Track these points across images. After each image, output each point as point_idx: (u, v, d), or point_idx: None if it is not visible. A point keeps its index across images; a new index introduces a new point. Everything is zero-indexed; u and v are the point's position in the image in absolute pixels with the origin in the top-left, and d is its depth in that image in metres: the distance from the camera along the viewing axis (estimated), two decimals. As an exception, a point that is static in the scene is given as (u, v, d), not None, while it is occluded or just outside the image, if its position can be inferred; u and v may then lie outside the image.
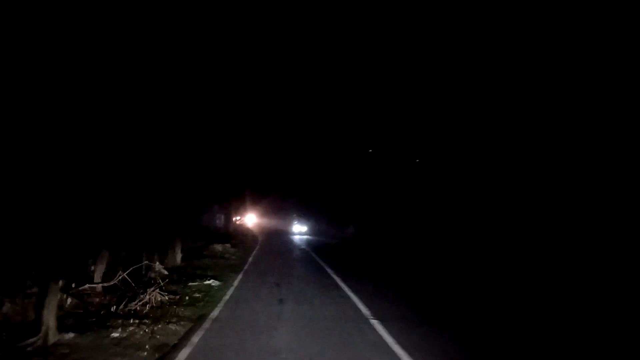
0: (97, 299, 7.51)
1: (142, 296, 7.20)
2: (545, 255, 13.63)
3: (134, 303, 6.93)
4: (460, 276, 12.77)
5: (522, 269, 12.99)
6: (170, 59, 9.77)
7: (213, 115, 14.72)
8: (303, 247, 21.81)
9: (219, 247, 16.00)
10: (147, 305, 6.93)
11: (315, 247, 21.51)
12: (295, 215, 35.59)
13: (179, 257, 12.56)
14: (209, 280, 9.56)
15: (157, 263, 10.61)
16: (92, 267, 8.16)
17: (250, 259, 14.64)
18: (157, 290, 7.29)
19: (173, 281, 9.26)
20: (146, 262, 9.19)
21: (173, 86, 10.39)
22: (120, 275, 8.00)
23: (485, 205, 18.10)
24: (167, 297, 7.42)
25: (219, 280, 9.66)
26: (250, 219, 61.43)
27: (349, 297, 8.48)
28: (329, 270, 12.42)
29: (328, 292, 9.04)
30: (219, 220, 29.94)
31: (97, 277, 8.16)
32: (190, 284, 9.17)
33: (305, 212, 34.63)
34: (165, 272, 10.51)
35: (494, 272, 13.28)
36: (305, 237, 30.04)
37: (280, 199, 47.78)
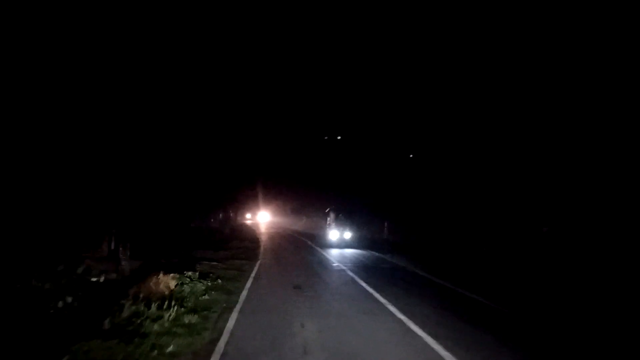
0: None
1: None
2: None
3: None
4: None
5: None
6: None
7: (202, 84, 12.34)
8: (372, 292, 7.95)
9: (168, 282, 6.74)
10: None
11: (415, 296, 7.71)
12: (331, 212, 19.59)
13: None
14: None
15: None
16: None
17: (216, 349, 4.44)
18: None
19: None
20: None
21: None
22: None
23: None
24: None
25: None
26: (263, 217, 51.37)
27: None
28: None
29: None
30: (213, 220, 20.95)
31: None
32: None
33: (347, 209, 19.57)
34: None
35: None
36: (350, 251, 16.52)
37: (309, 193, 37.15)
